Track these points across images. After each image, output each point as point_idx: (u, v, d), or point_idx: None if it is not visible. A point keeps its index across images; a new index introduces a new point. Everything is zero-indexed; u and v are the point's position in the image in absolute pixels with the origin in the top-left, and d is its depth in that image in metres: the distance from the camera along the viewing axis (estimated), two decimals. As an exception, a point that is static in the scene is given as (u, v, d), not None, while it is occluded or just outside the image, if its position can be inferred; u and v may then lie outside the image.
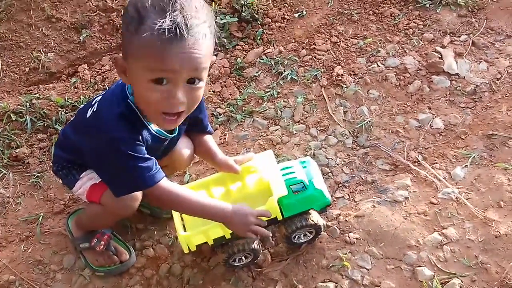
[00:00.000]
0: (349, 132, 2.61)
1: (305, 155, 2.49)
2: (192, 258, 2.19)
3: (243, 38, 3.07)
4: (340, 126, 2.63)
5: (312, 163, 2.18)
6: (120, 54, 1.74)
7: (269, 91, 2.80)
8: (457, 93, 2.71)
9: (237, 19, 3.06)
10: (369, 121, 2.63)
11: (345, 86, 2.77)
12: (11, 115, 2.70)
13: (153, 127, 1.85)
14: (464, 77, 2.77)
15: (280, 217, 2.03)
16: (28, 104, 2.73)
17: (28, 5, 3.08)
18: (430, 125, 2.60)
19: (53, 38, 3.05)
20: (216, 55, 2.96)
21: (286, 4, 3.20)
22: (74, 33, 3.08)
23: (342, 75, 2.81)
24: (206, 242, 2.02)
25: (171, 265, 2.19)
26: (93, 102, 1.90)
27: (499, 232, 2.14)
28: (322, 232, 2.15)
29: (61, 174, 2.11)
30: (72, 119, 2.08)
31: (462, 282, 2.03)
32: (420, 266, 2.09)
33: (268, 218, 1.99)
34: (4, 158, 2.58)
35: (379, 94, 2.74)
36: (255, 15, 3.08)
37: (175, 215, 2.06)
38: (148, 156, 1.81)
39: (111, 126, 1.75)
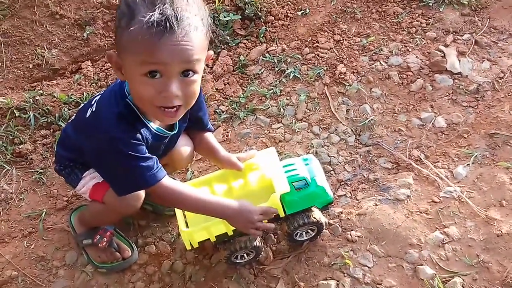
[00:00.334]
0: (352, 130, 2.61)
1: (308, 153, 2.49)
2: (194, 255, 2.20)
3: (246, 35, 3.07)
4: (343, 124, 2.63)
5: (314, 161, 2.18)
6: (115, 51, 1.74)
7: (272, 89, 2.80)
8: (460, 92, 2.71)
9: (240, 17, 3.06)
10: (372, 120, 2.63)
11: (347, 84, 2.77)
12: (15, 111, 2.71)
13: (153, 125, 1.85)
14: (467, 76, 2.77)
15: (282, 214, 2.04)
16: (31, 100, 2.74)
17: (32, 2, 3.08)
18: (433, 123, 2.60)
19: (57, 35, 3.05)
20: (219, 52, 2.97)
21: (289, 2, 3.20)
22: (78, 30, 3.08)
23: (345, 73, 2.81)
24: (208, 239, 2.02)
25: (173, 262, 2.20)
26: (93, 102, 1.90)
27: (501, 231, 2.14)
28: (324, 230, 2.15)
29: (63, 173, 2.12)
30: (72, 118, 2.09)
31: (463, 280, 2.03)
32: (421, 265, 2.09)
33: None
34: (8, 154, 2.59)
35: (382, 92, 2.75)
36: (258, 12, 3.08)
37: (178, 211, 2.07)
38: (149, 155, 1.81)
39: (110, 126, 1.75)
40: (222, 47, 3.00)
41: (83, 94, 2.78)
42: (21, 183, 2.51)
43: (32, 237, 2.32)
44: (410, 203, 2.30)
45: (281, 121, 2.68)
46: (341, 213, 2.28)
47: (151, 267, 2.19)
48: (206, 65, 2.90)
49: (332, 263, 2.13)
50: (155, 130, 1.86)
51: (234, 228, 1.98)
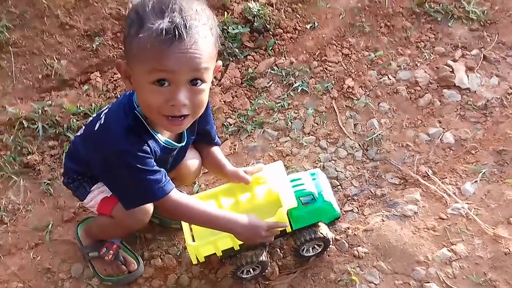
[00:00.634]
0: (359, 145, 2.61)
1: (315, 167, 2.49)
2: (200, 269, 2.20)
3: (255, 48, 3.07)
4: (350, 138, 2.63)
5: (322, 175, 2.18)
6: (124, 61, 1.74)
7: (280, 102, 2.80)
8: (468, 107, 2.70)
9: (249, 29, 3.07)
10: (379, 134, 2.62)
11: (355, 98, 2.77)
12: (23, 121, 2.71)
13: (161, 137, 1.85)
14: (475, 91, 2.77)
15: (289, 229, 2.03)
16: (40, 111, 2.75)
17: (42, 12, 3.09)
18: (441, 139, 2.60)
19: (66, 45, 3.06)
20: (227, 65, 2.97)
21: (298, 15, 3.21)
22: (87, 41, 3.09)
23: (353, 87, 2.81)
24: (214, 253, 2.02)
25: (179, 275, 2.20)
26: (101, 115, 1.91)
27: (509, 249, 2.13)
28: (330, 246, 2.15)
29: (72, 186, 2.11)
30: (81, 130, 2.09)
31: (470, 299, 2.03)
32: (428, 282, 2.08)
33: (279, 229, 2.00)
34: (15, 165, 2.59)
35: (390, 107, 2.74)
36: (267, 25, 3.08)
37: (184, 225, 2.07)
38: (157, 168, 1.81)
39: (118, 139, 1.75)
40: (231, 59, 3.01)
41: (91, 105, 2.79)
42: (29, 194, 2.52)
43: (39, 249, 2.32)
44: (417, 220, 2.29)
45: (289, 134, 2.68)
46: (348, 228, 2.28)
47: (156, 280, 2.19)
48: (214, 77, 2.90)
49: (339, 279, 2.12)
50: (163, 142, 1.87)
51: (241, 243, 1.98)
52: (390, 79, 2.84)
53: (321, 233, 2.06)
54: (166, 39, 1.54)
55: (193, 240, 2.03)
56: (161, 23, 1.54)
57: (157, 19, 1.55)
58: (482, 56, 2.91)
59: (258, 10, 3.08)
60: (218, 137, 2.22)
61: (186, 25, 1.56)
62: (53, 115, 2.74)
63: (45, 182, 2.54)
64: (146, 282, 2.19)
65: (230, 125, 2.73)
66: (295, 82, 2.87)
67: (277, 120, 2.73)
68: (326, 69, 2.93)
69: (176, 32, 1.54)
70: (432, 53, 2.95)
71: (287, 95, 2.84)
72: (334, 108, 2.76)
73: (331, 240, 2.11)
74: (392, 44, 3.02)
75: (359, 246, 2.21)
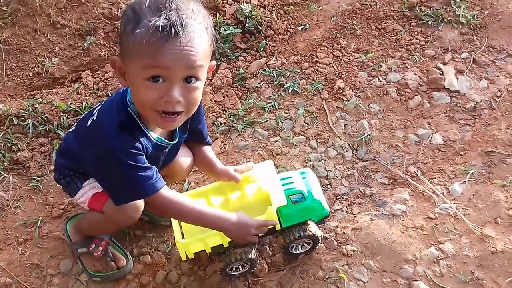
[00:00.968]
0: (349, 145, 2.62)
1: (305, 167, 2.50)
2: (189, 266, 2.20)
3: (246, 49, 3.09)
4: (340, 139, 2.65)
5: (311, 174, 2.19)
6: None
7: (271, 102, 2.82)
8: (457, 109, 2.73)
9: (240, 31, 3.09)
10: (369, 135, 2.64)
11: (346, 99, 2.79)
12: (14, 118, 2.72)
13: (153, 135, 1.86)
14: (465, 94, 2.79)
15: (278, 227, 2.04)
16: (30, 108, 2.75)
17: (34, 11, 3.10)
18: (430, 140, 2.62)
19: (58, 44, 3.07)
20: (219, 65, 2.98)
21: (289, 17, 3.23)
22: (79, 40, 3.10)
23: (343, 88, 2.82)
24: (204, 250, 2.02)
25: (168, 272, 2.20)
26: (94, 111, 1.91)
27: (496, 249, 2.14)
28: (319, 244, 2.15)
29: (63, 182, 2.11)
30: (73, 127, 2.09)
31: (457, 297, 2.04)
32: (416, 280, 2.09)
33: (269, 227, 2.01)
34: (5, 161, 2.59)
35: (380, 108, 2.76)
36: (259, 27, 3.10)
37: (174, 221, 2.07)
38: (148, 165, 1.81)
39: (110, 135, 1.75)
40: (222, 59, 3.02)
41: (82, 104, 2.79)
42: (18, 190, 2.51)
43: (27, 245, 2.32)
44: (405, 219, 2.31)
45: (279, 134, 2.69)
46: (337, 227, 2.29)
47: (145, 277, 2.19)
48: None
49: (327, 276, 2.13)
50: (155, 139, 1.87)
51: (230, 240, 1.99)
52: (380, 81, 2.86)
53: (310, 231, 2.06)
54: (162, 36, 1.56)
55: (183, 237, 2.03)
56: (157, 20, 1.55)
57: (154, 17, 1.57)
58: (471, 59, 2.93)
59: (250, 11, 3.10)
60: (209, 136, 2.22)
61: (182, 23, 1.57)
62: (44, 113, 2.74)
63: (34, 179, 2.54)
64: (135, 278, 2.19)
65: (221, 124, 2.74)
66: (286, 83, 2.89)
67: (267, 120, 2.74)
68: (317, 70, 2.94)
69: (172, 29, 1.56)
70: (422, 56, 2.97)
71: (278, 96, 2.85)
72: (324, 108, 2.78)
73: (320, 238, 2.11)
74: (382, 46, 3.05)
75: (348, 244, 2.22)
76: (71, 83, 3.00)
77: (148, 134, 1.84)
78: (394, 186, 2.45)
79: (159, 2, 1.60)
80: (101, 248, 2.15)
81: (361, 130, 2.67)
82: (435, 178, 2.46)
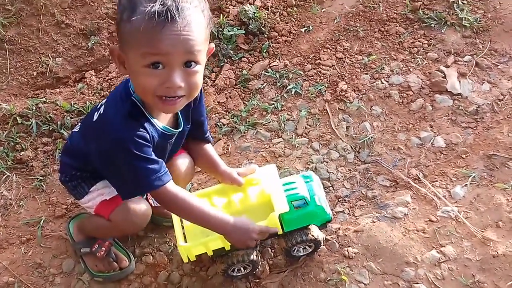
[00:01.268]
0: (351, 147, 2.63)
1: (307, 169, 2.51)
2: (191, 267, 2.21)
3: (250, 50, 3.09)
4: (342, 141, 2.65)
5: (315, 178, 2.18)
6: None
7: (273, 104, 2.82)
8: (459, 112, 2.73)
9: (244, 32, 3.09)
10: (371, 137, 2.65)
11: (348, 101, 2.79)
12: (17, 118, 2.73)
13: (158, 123, 1.85)
14: (467, 97, 2.79)
15: (280, 232, 2.04)
16: (34, 107, 2.76)
17: (38, 10, 3.11)
18: (432, 143, 2.62)
19: (62, 44, 3.08)
20: (222, 66, 2.99)
21: (293, 19, 3.23)
22: (83, 39, 3.11)
23: (346, 90, 2.83)
24: (205, 252, 2.03)
25: (170, 273, 2.20)
26: (99, 106, 1.91)
27: (497, 252, 2.15)
28: (321, 246, 2.16)
29: (69, 185, 2.10)
30: (79, 124, 2.09)
31: (459, 300, 2.04)
32: (417, 283, 2.10)
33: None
34: (8, 161, 2.60)
35: (382, 110, 2.77)
36: (262, 28, 3.11)
37: (176, 224, 2.06)
38: (156, 158, 1.80)
39: (117, 126, 1.75)
40: (225, 61, 3.03)
41: (85, 103, 2.80)
42: (21, 189, 2.52)
43: (30, 244, 2.33)
44: (407, 221, 2.31)
45: (282, 136, 2.69)
46: (339, 229, 2.29)
47: (147, 277, 2.20)
48: (209, 78, 2.93)
49: (328, 278, 2.13)
50: (161, 128, 1.86)
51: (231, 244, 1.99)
52: (383, 83, 2.87)
53: (312, 235, 2.06)
54: (159, 22, 1.55)
55: (185, 239, 2.03)
56: (153, 6, 1.54)
57: (149, 2, 1.55)
58: (474, 62, 2.94)
59: (254, 13, 3.11)
60: (212, 137, 2.22)
61: (178, 7, 1.56)
62: (47, 112, 2.75)
63: (37, 178, 2.55)
64: (137, 278, 2.20)
65: (224, 125, 2.75)
66: (289, 84, 2.89)
67: (270, 121, 2.75)
68: (319, 72, 2.95)
69: (168, 14, 1.55)
70: (425, 59, 2.97)
71: (281, 97, 2.86)
72: (327, 110, 2.78)
73: (322, 241, 2.12)
74: (385, 49, 3.05)
75: (350, 246, 2.22)
76: (75, 83, 3.01)
77: (153, 122, 1.83)
78: (396, 189, 2.46)
79: None
80: (104, 248, 2.15)
81: (363, 132, 2.68)
82: (437, 181, 2.46)
